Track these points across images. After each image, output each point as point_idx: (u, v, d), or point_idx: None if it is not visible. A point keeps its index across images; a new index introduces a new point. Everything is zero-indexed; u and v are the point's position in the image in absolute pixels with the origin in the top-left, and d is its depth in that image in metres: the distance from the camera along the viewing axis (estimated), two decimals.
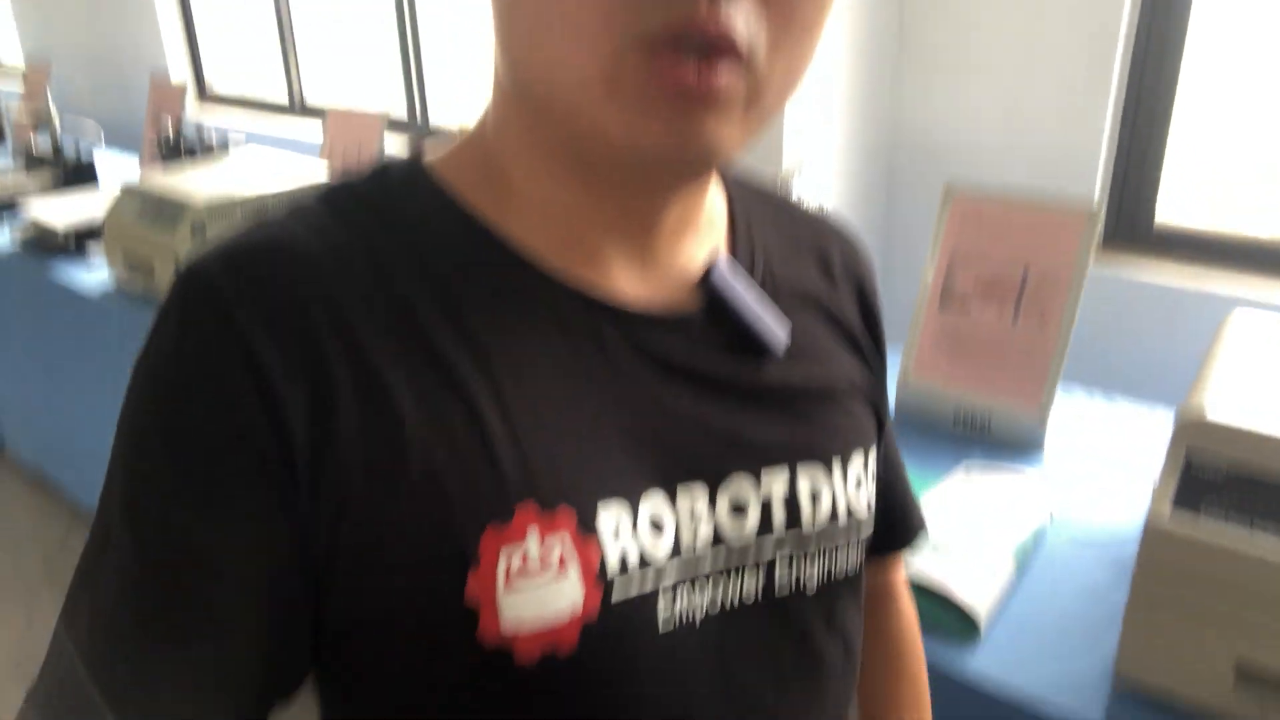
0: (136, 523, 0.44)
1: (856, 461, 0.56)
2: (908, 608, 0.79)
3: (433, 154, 0.53)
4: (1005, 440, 1.37)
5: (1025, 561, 1.07)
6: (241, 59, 4.10)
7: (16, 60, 5.04)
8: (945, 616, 0.99)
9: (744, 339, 0.53)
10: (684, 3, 0.38)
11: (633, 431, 0.48)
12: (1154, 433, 1.35)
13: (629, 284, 0.51)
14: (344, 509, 0.43)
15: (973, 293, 1.41)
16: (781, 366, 0.54)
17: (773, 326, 0.53)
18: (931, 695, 0.78)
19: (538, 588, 0.43)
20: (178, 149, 2.51)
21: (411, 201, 0.50)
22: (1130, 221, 1.98)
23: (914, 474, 1.25)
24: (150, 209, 1.93)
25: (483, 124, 0.52)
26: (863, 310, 0.63)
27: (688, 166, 0.46)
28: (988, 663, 0.93)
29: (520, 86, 0.47)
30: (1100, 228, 1.97)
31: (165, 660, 0.43)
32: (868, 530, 0.57)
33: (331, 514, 0.43)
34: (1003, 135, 2.03)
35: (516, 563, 0.43)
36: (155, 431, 0.44)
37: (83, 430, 2.40)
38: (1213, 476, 0.85)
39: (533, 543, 0.43)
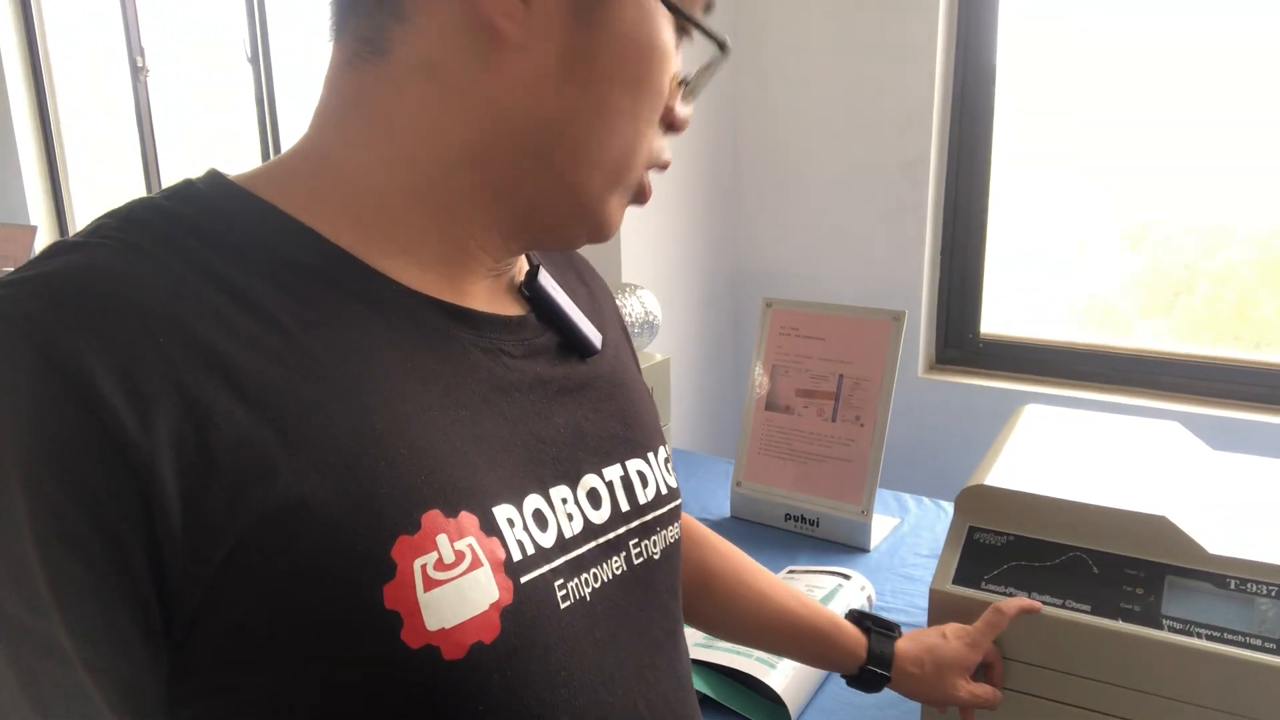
0: None
1: (663, 449, 0.66)
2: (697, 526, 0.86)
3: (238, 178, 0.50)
4: (834, 536, 1.38)
5: None
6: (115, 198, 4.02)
7: None
8: (757, 706, 0.97)
9: (568, 340, 0.59)
10: (665, 152, 0.56)
11: (500, 438, 0.51)
12: None
13: (476, 303, 0.55)
14: (241, 547, 0.39)
15: (795, 399, 1.46)
16: (598, 362, 0.61)
17: (588, 325, 0.61)
18: None
19: (456, 586, 0.44)
20: None
21: (247, 218, 0.46)
22: (958, 336, 2.09)
23: None
24: None
25: (348, 170, 0.50)
26: (615, 311, 0.73)
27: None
28: None
29: (537, 158, 0.51)
30: (926, 337, 2.08)
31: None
32: (680, 504, 0.66)
33: (220, 558, 0.39)
34: (832, 263, 2.15)
35: (432, 567, 0.44)
36: None
37: None
38: (993, 542, 0.88)
39: (444, 547, 0.44)
